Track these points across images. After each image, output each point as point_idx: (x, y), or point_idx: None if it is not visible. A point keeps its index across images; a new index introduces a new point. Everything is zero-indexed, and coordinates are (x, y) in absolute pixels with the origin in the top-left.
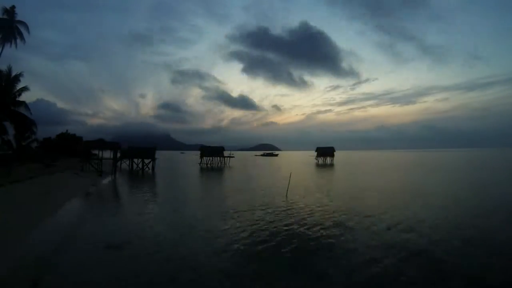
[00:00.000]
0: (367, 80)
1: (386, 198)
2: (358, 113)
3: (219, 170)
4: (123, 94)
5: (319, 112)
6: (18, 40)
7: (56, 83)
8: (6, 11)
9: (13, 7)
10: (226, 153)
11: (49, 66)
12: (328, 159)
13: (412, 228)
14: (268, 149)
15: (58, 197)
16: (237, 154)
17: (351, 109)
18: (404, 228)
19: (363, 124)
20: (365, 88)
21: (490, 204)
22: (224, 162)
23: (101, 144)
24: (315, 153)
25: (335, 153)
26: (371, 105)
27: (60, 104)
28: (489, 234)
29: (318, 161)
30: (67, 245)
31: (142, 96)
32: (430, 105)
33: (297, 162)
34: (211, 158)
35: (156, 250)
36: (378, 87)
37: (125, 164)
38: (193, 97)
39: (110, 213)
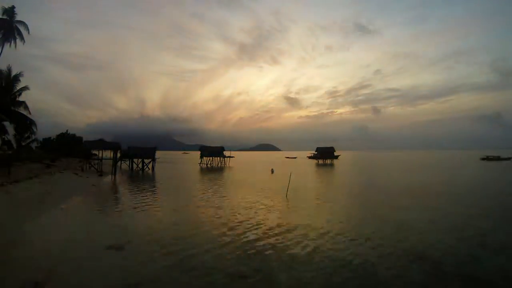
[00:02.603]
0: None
1: None
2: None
3: (219, 170)
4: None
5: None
6: (18, 40)
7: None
8: (6, 11)
9: (12, 7)
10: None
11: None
12: (328, 162)
13: None
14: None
15: (58, 197)
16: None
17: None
18: None
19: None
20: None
21: None
22: (224, 162)
23: (101, 144)
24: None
25: (338, 154)
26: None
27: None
28: None
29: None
30: (67, 245)
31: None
32: None
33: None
34: (211, 158)
35: (157, 250)
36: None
37: (125, 164)
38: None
39: (111, 213)
